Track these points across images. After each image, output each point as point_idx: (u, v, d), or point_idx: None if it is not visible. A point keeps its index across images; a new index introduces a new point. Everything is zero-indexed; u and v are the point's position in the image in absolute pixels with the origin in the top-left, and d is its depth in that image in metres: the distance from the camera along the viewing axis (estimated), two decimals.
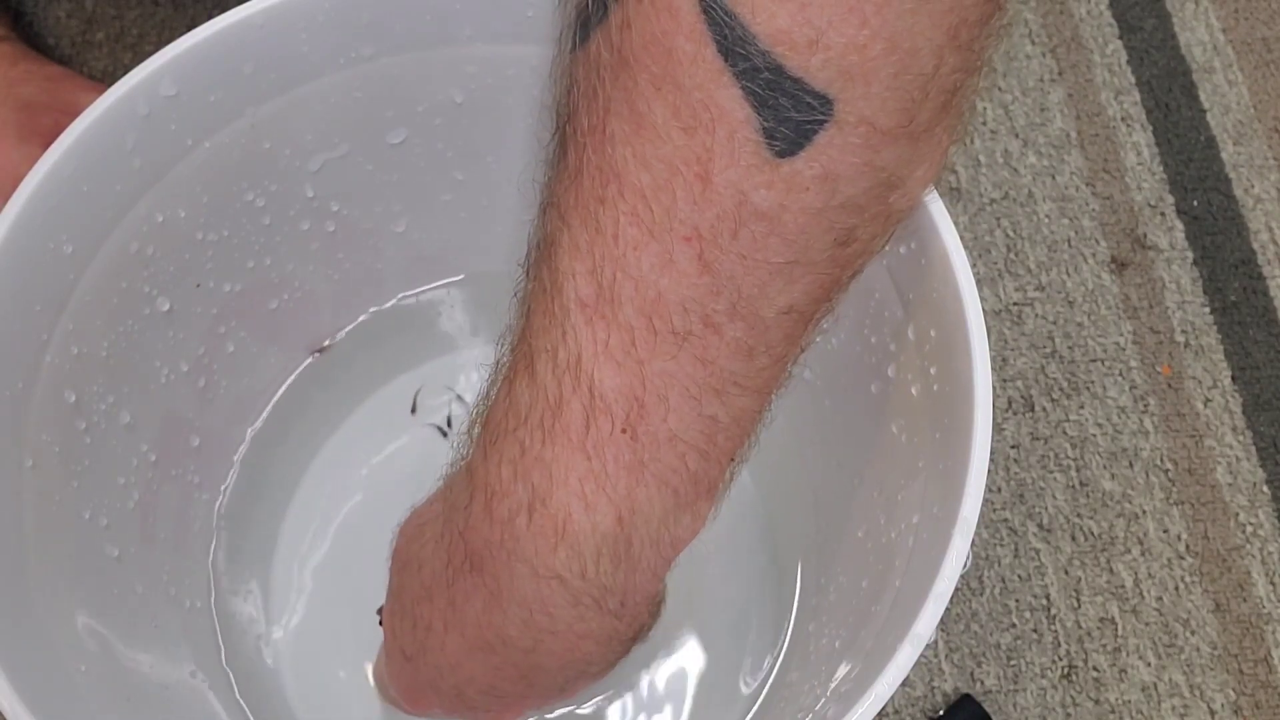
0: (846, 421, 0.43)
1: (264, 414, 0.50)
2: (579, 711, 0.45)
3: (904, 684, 0.38)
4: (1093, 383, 0.56)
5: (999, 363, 0.56)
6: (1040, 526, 0.53)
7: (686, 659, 0.46)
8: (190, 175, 0.40)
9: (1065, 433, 0.55)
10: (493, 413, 0.31)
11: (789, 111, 0.26)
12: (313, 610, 0.47)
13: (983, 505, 0.31)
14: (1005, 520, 0.53)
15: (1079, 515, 0.53)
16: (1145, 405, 0.55)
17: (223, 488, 0.48)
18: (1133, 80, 0.63)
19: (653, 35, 0.26)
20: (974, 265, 0.53)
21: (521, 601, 0.30)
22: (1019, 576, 0.52)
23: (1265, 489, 0.54)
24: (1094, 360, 0.56)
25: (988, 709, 0.48)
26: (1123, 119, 0.62)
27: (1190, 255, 0.59)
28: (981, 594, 0.51)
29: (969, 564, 0.31)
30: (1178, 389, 0.56)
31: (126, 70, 0.36)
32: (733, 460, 0.30)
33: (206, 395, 0.46)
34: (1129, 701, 0.50)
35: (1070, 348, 0.57)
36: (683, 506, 0.30)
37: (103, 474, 0.40)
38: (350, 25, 0.39)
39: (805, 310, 0.29)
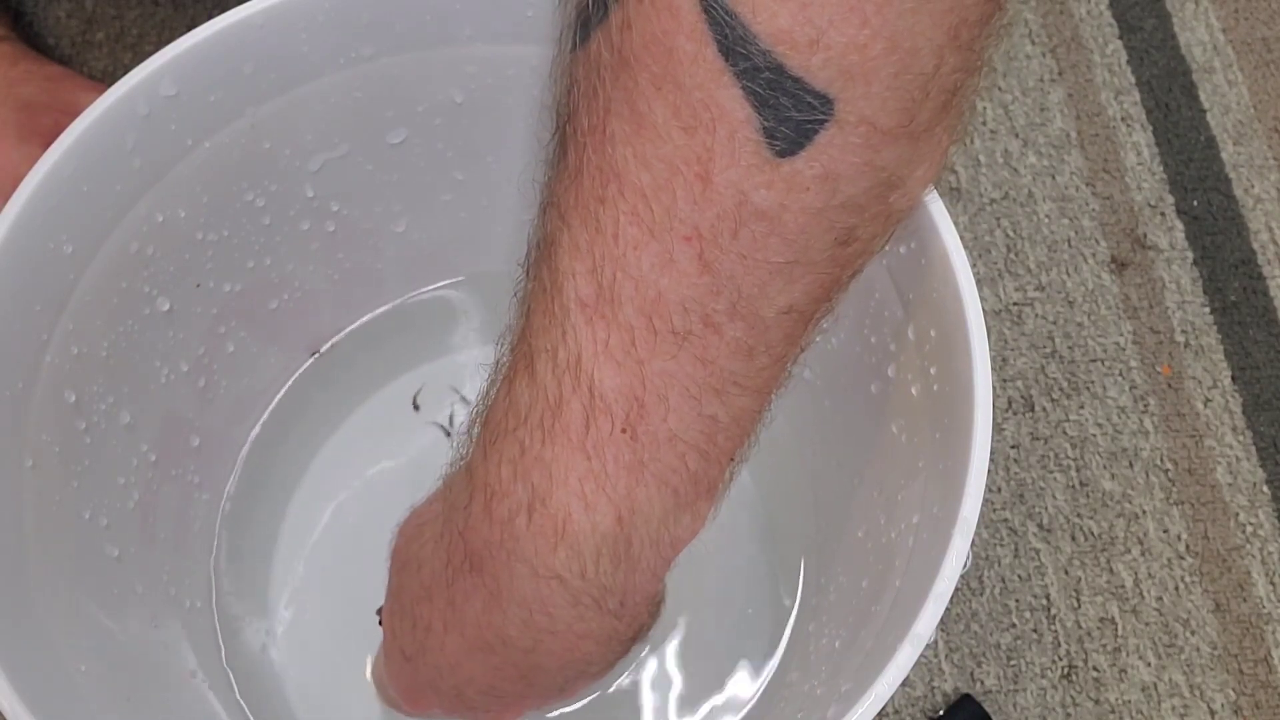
0: (846, 421, 0.43)
1: (264, 414, 0.50)
2: (579, 711, 0.45)
3: (904, 684, 0.38)
4: (1093, 383, 0.56)
5: (999, 363, 0.56)
6: (1040, 526, 0.53)
7: (686, 659, 0.46)
8: (190, 175, 0.40)
9: (1065, 433, 0.55)
10: (492, 412, 0.31)
11: (789, 111, 0.26)
12: (313, 610, 0.47)
13: (983, 505, 0.31)
14: (1005, 520, 0.53)
15: (1079, 515, 0.53)
16: (1145, 405, 0.55)
17: (224, 488, 0.48)
18: (1133, 80, 0.63)
19: (653, 35, 0.26)
20: (974, 265, 0.53)
21: (521, 601, 0.30)
22: (1019, 576, 0.52)
23: (1265, 489, 0.54)
24: (1094, 360, 0.56)
25: (988, 709, 0.48)
26: (1123, 119, 0.62)
27: (1190, 255, 0.59)
28: (981, 594, 0.51)
29: (969, 564, 0.31)
30: (1178, 389, 0.56)
31: (126, 70, 0.36)
32: (733, 460, 0.30)
33: (206, 395, 0.46)
34: (1129, 701, 0.50)
35: (1070, 348, 0.57)
36: (683, 506, 0.30)
37: (103, 474, 0.40)
38: (350, 25, 0.39)
39: (805, 310, 0.29)
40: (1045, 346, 0.57)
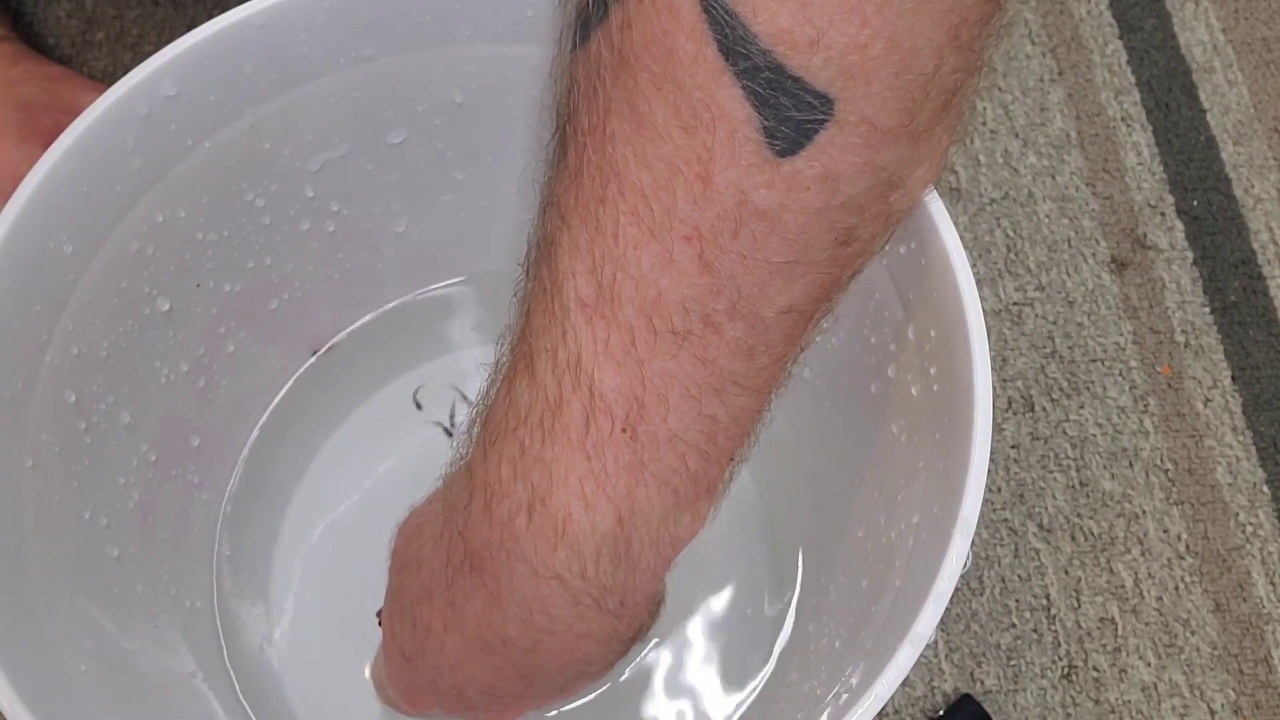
0: (846, 421, 0.43)
1: (264, 414, 0.50)
2: (579, 710, 0.45)
3: (904, 684, 0.38)
4: (1093, 383, 0.56)
5: (999, 363, 0.56)
6: (1040, 526, 0.53)
7: (686, 658, 0.46)
8: (190, 175, 0.40)
9: (1065, 433, 0.55)
10: (492, 412, 0.31)
11: (790, 111, 0.26)
12: (313, 610, 0.47)
13: (983, 505, 0.31)
14: (1005, 520, 0.53)
15: (1079, 515, 0.53)
16: (1145, 405, 0.55)
17: (224, 488, 0.48)
18: (1133, 80, 0.63)
19: (653, 35, 0.26)
20: (974, 265, 0.53)
21: (521, 601, 0.30)
22: (1019, 576, 0.52)
23: (1265, 489, 0.54)
24: (1094, 360, 0.56)
25: (988, 709, 0.48)
26: (1123, 119, 0.62)
27: (1190, 255, 0.59)
28: (981, 594, 0.51)
29: (969, 564, 0.31)
30: (1178, 389, 0.56)
31: (126, 70, 0.36)
32: (732, 460, 0.30)
33: (206, 395, 0.46)
34: (1129, 701, 0.50)
35: (1070, 348, 0.57)
36: (682, 506, 0.30)
37: (103, 474, 0.40)
38: (350, 25, 0.39)
39: (805, 310, 0.29)
40: (1045, 346, 0.57)
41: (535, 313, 0.29)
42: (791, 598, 0.46)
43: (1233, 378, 0.56)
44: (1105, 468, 0.54)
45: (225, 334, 0.46)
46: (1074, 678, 0.50)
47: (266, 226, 0.44)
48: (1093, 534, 0.53)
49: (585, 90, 0.28)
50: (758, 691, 0.45)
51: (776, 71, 0.25)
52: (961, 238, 0.34)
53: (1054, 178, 0.61)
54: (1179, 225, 0.60)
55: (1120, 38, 0.64)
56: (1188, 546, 0.53)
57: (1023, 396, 0.55)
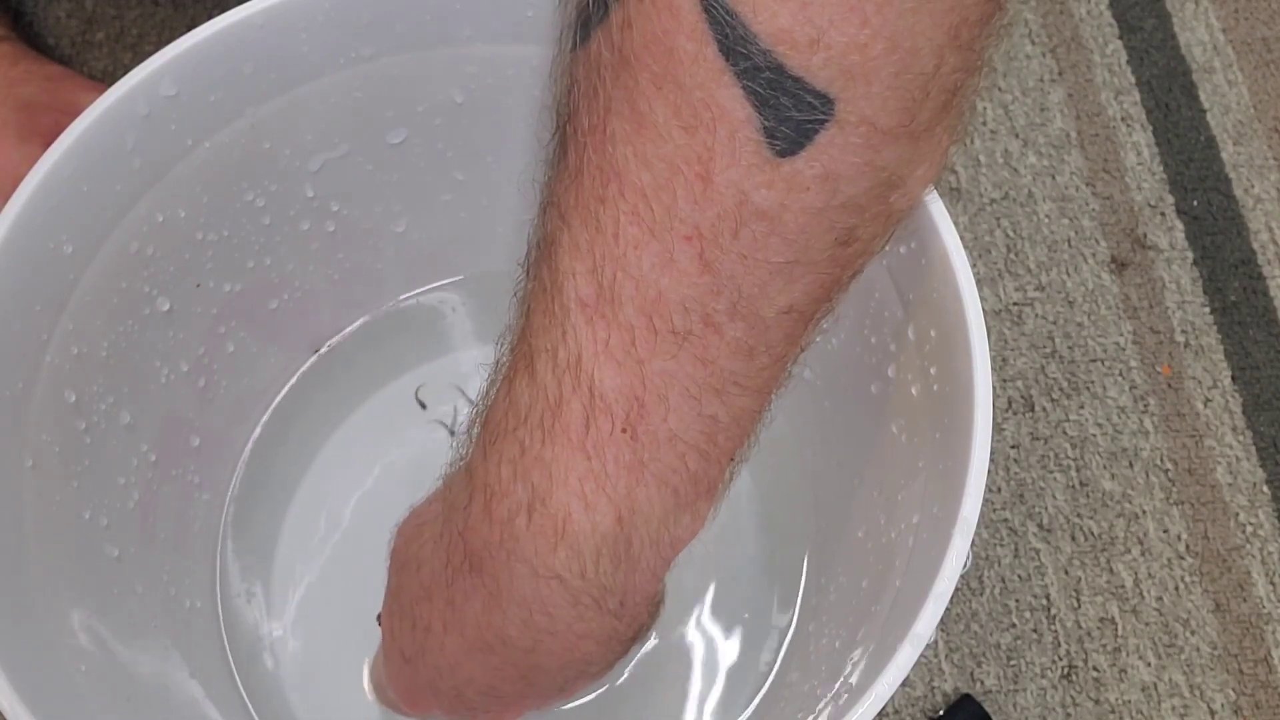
0: (846, 421, 0.43)
1: (264, 414, 0.50)
2: (578, 710, 0.45)
3: (904, 684, 0.38)
4: (1093, 383, 0.56)
5: (999, 363, 0.56)
6: (1040, 526, 0.53)
7: (685, 659, 0.46)
8: (190, 175, 0.40)
9: (1065, 433, 0.55)
10: (492, 412, 0.31)
11: (790, 111, 0.26)
12: (314, 610, 0.47)
13: (983, 505, 0.31)
14: (1005, 520, 0.53)
15: (1079, 515, 0.53)
16: (1145, 405, 0.55)
17: (224, 488, 0.48)
18: (1133, 80, 0.63)
19: (654, 34, 0.26)
20: (974, 265, 0.53)
21: (521, 602, 0.30)
22: (1019, 576, 0.52)
23: (1265, 489, 0.54)
24: (1094, 360, 0.56)
25: (988, 709, 0.48)
26: (1123, 119, 0.62)
27: (1190, 255, 0.59)
28: (981, 594, 0.51)
29: (969, 564, 0.31)
30: (1178, 389, 0.56)
31: (126, 70, 0.36)
32: (733, 460, 0.30)
33: (206, 395, 0.46)
34: (1129, 701, 0.50)
35: (1070, 348, 0.57)
36: (683, 506, 0.30)
37: (103, 474, 0.40)
38: (350, 25, 0.39)
39: (805, 310, 0.29)
40: (1045, 346, 0.57)
41: (535, 313, 0.29)
42: (792, 598, 0.46)
43: (1233, 378, 0.56)
44: (1105, 468, 0.54)
45: (225, 334, 0.46)
46: (1074, 678, 0.50)
47: (266, 226, 0.44)
48: (1093, 534, 0.53)
49: (585, 90, 0.28)
50: (758, 692, 0.45)
51: (777, 71, 0.25)
52: (961, 238, 0.34)
53: (1054, 178, 0.61)
54: (1179, 225, 0.60)
55: (1120, 38, 0.64)
56: (1188, 546, 0.53)
57: (1023, 396, 0.55)
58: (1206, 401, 0.55)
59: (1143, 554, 0.52)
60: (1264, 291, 0.58)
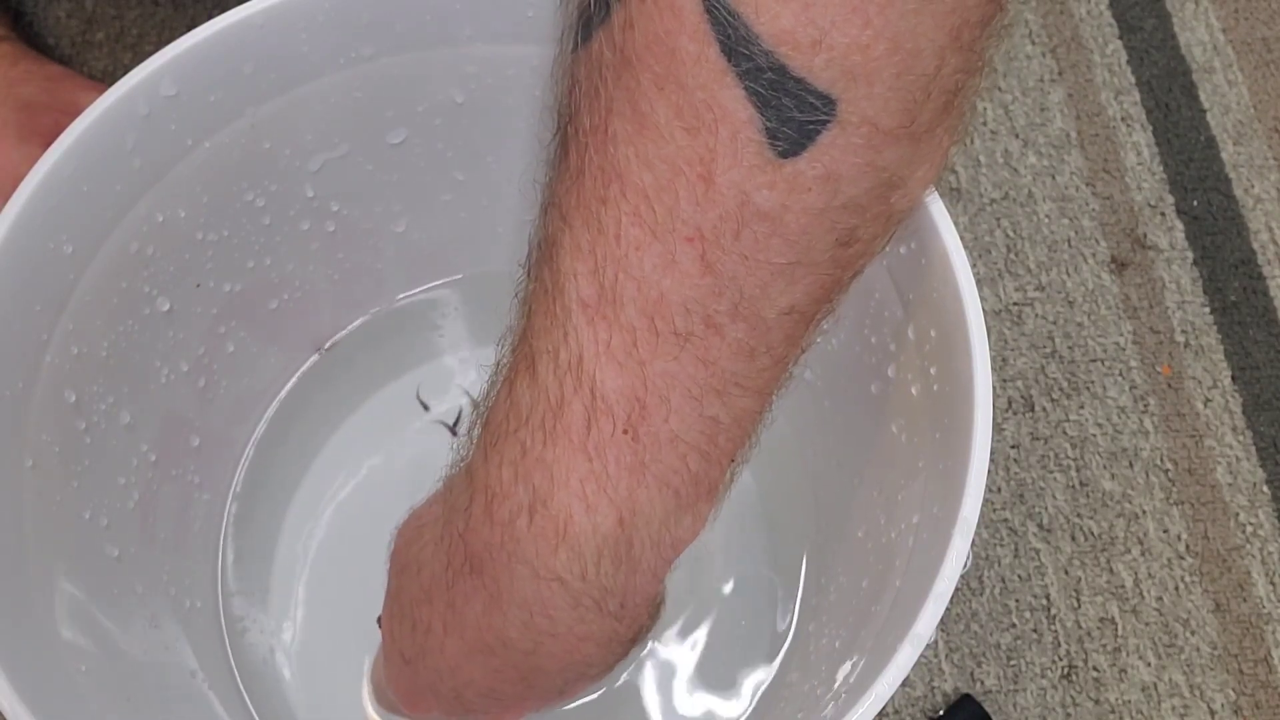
0: (847, 421, 0.43)
1: (264, 414, 0.50)
2: (578, 712, 0.45)
3: (904, 684, 0.38)
4: (1093, 383, 0.56)
5: (999, 363, 0.56)
6: (1040, 526, 0.53)
7: (686, 659, 0.46)
8: (190, 175, 0.40)
9: (1065, 433, 0.55)
10: (493, 414, 0.31)
11: (792, 112, 0.26)
12: (314, 610, 0.47)
13: (983, 505, 0.31)
14: (1005, 520, 0.53)
15: (1079, 515, 0.53)
16: (1145, 405, 0.55)
17: (224, 488, 0.48)
18: (1133, 80, 0.63)
19: (656, 35, 0.26)
20: (974, 265, 0.53)
21: (522, 603, 0.30)
22: (1019, 576, 0.52)
23: (1265, 489, 0.54)
24: (1094, 360, 0.56)
25: (988, 709, 0.48)
26: (1123, 119, 0.62)
27: (1190, 255, 0.59)
28: (981, 594, 0.51)
29: (969, 564, 0.31)
30: (1178, 389, 0.56)
31: (126, 70, 0.36)
32: (734, 461, 0.30)
33: (206, 395, 0.46)
34: (1129, 701, 0.50)
35: (1070, 348, 0.57)
36: (684, 507, 0.30)
37: (103, 474, 0.40)
38: (350, 25, 0.39)
39: (806, 311, 0.29)
40: (1045, 346, 0.57)
41: (537, 314, 0.29)
42: (792, 598, 0.46)
43: (1233, 378, 0.56)
44: (1105, 468, 0.54)
45: (225, 334, 0.46)
46: (1074, 678, 0.50)
47: (266, 226, 0.44)
48: (1093, 534, 0.53)
49: (587, 90, 0.28)
50: (758, 692, 0.45)
51: (779, 72, 0.25)
52: (961, 238, 0.34)
53: (1054, 178, 0.61)
54: (1179, 225, 0.60)
55: (1120, 38, 0.64)
56: (1188, 546, 0.53)
57: (1023, 396, 0.55)
58: (1206, 401, 0.55)
59: (1143, 554, 0.52)
60: (1264, 291, 0.58)
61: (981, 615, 0.51)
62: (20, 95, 0.52)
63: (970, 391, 0.32)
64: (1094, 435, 0.55)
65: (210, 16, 0.37)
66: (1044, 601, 0.51)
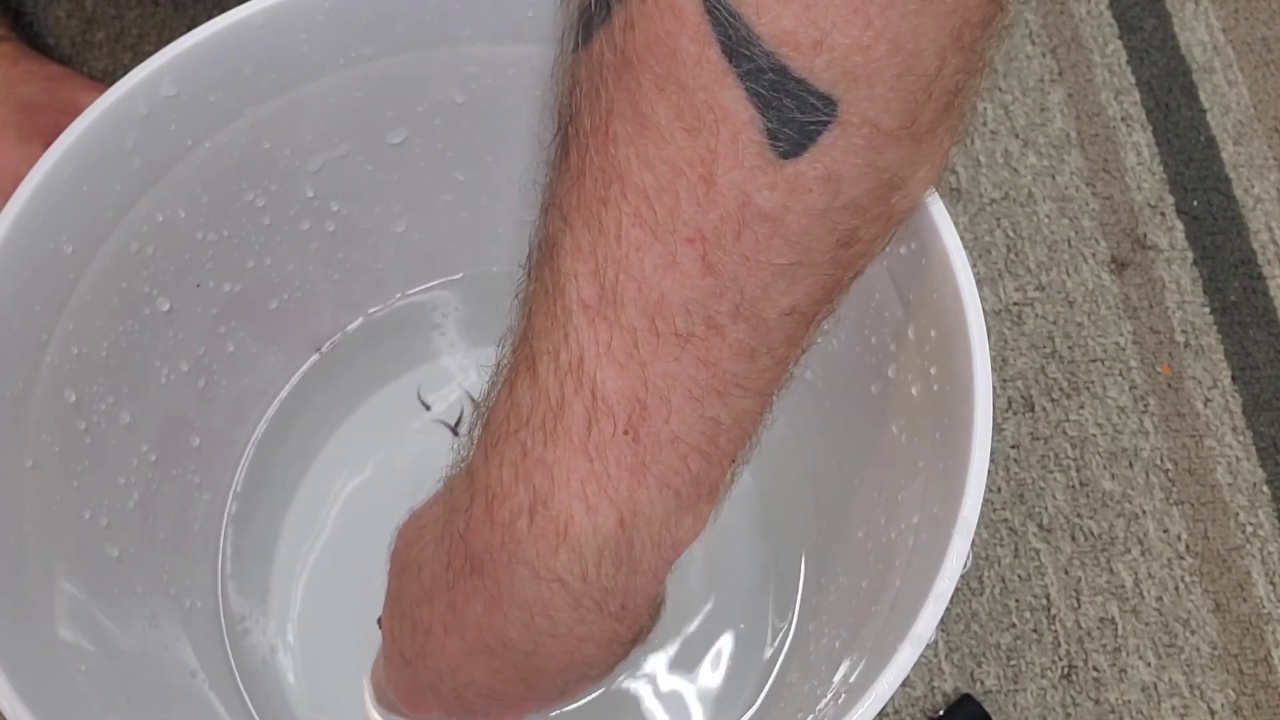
0: (847, 422, 0.43)
1: (264, 414, 0.50)
2: (579, 712, 0.45)
3: (904, 684, 0.38)
4: (1093, 383, 0.56)
5: (999, 363, 0.56)
6: (1040, 526, 0.53)
7: (686, 659, 0.46)
8: (190, 175, 0.40)
9: (1065, 433, 0.55)
10: (493, 414, 0.31)
11: (793, 112, 0.26)
12: (314, 610, 0.47)
13: (983, 505, 0.31)
14: (1005, 520, 0.53)
15: (1079, 515, 0.53)
16: (1145, 405, 0.55)
17: (225, 488, 0.48)
18: (1133, 80, 0.63)
19: (656, 36, 0.26)
20: (974, 265, 0.53)
21: (522, 604, 0.30)
22: (1019, 576, 0.52)
23: (1265, 489, 0.54)
24: (1094, 360, 0.56)
25: (988, 709, 0.48)
26: (1123, 119, 0.62)
27: (1190, 255, 0.59)
28: (981, 594, 0.51)
29: (969, 564, 0.31)
30: (1178, 389, 0.56)
31: (126, 70, 0.36)
32: (734, 462, 0.30)
33: (206, 395, 0.46)
34: (1129, 701, 0.50)
35: (1070, 348, 0.57)
36: (684, 508, 0.30)
37: (103, 474, 0.40)
38: (350, 25, 0.39)
39: (807, 311, 0.29)
40: (1045, 346, 0.57)
41: (537, 314, 0.29)
42: (792, 598, 0.46)
43: (1233, 378, 0.56)
44: (1105, 468, 0.54)
45: (225, 334, 0.46)
46: (1074, 678, 0.50)
47: (266, 226, 0.44)
48: (1093, 534, 0.53)
49: (587, 91, 0.28)
50: (758, 692, 0.45)
51: (780, 73, 0.25)
52: (961, 238, 0.34)
53: (1054, 178, 0.61)
54: (1179, 225, 0.60)
55: (1120, 38, 0.64)
56: (1188, 546, 0.53)
57: (1023, 396, 0.55)
58: (1206, 401, 0.55)
59: (1143, 554, 0.52)
60: (1264, 291, 0.58)
61: (981, 615, 0.51)
62: (20, 95, 0.52)
63: (970, 391, 0.32)
64: (1094, 435, 0.55)
65: (210, 16, 0.37)
66: (1044, 601, 0.51)
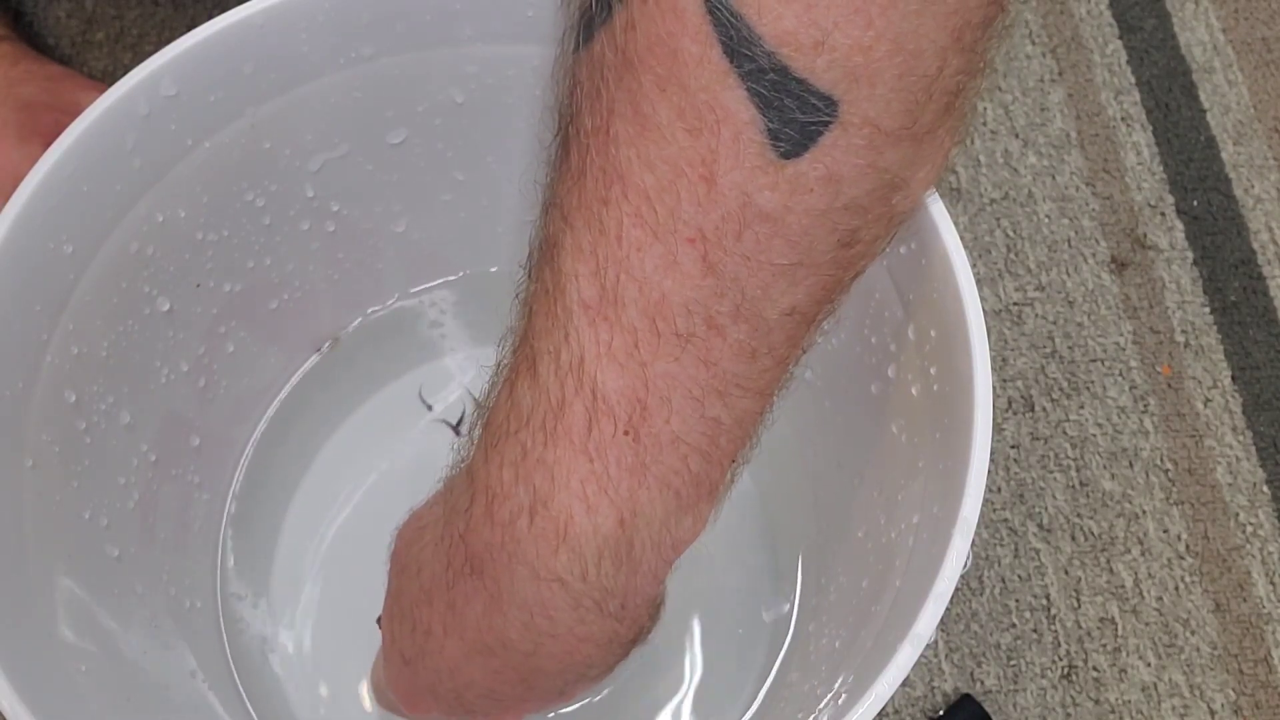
0: (847, 421, 0.43)
1: (265, 414, 0.50)
2: (578, 713, 0.45)
3: (904, 684, 0.38)
4: (1093, 383, 0.56)
5: (999, 363, 0.56)
6: (1040, 526, 0.53)
7: (686, 660, 0.46)
8: (190, 175, 0.40)
9: (1065, 433, 0.55)
10: (494, 414, 0.31)
11: (794, 113, 0.26)
12: (313, 610, 0.47)
13: (983, 505, 0.31)
14: (1005, 520, 0.53)
15: (1079, 515, 0.53)
16: (1145, 405, 0.55)
17: (225, 488, 0.48)
18: (1133, 80, 0.63)
19: (658, 36, 0.26)
20: (974, 265, 0.53)
21: (522, 604, 0.30)
22: (1019, 576, 0.52)
23: (1265, 489, 0.54)
24: (1094, 360, 0.56)
25: (988, 709, 0.48)
26: (1123, 119, 0.62)
27: (1190, 255, 0.59)
28: (981, 594, 0.51)
29: (969, 564, 0.31)
30: (1178, 389, 0.56)
31: (126, 70, 0.36)
32: (734, 462, 0.30)
33: (206, 395, 0.46)
34: (1129, 701, 0.50)
35: (1070, 348, 0.57)
36: (684, 508, 0.30)
37: (103, 474, 0.40)
38: (350, 25, 0.39)
39: (808, 311, 0.29)
40: (1045, 346, 0.57)
41: (537, 314, 0.29)
42: (792, 598, 0.46)
43: (1233, 378, 0.56)
44: (1105, 468, 0.54)
45: (225, 334, 0.45)
46: (1074, 678, 0.50)
47: (266, 226, 0.44)
48: (1093, 534, 0.53)
49: (588, 91, 0.28)
50: (758, 692, 0.45)
51: (781, 73, 0.25)
52: (961, 238, 0.34)
53: (1054, 178, 0.61)
54: (1179, 225, 0.60)
55: (1120, 38, 0.64)
56: (1188, 546, 0.53)
57: (1023, 396, 0.56)
58: (1206, 401, 0.55)
59: (1143, 554, 0.52)
60: (1264, 291, 0.58)
61: (981, 615, 0.51)
62: (20, 95, 0.52)
63: (970, 391, 0.32)
64: (1094, 435, 0.55)
65: (210, 16, 0.37)
66: (1044, 601, 0.51)
